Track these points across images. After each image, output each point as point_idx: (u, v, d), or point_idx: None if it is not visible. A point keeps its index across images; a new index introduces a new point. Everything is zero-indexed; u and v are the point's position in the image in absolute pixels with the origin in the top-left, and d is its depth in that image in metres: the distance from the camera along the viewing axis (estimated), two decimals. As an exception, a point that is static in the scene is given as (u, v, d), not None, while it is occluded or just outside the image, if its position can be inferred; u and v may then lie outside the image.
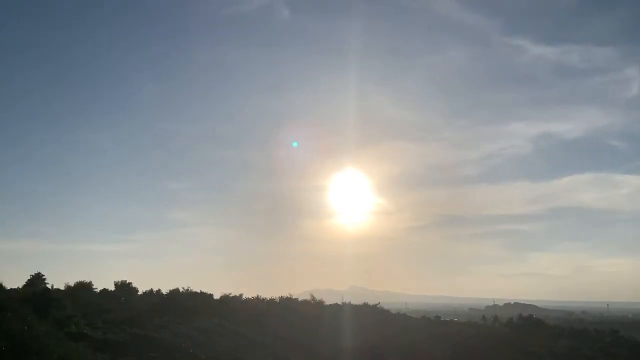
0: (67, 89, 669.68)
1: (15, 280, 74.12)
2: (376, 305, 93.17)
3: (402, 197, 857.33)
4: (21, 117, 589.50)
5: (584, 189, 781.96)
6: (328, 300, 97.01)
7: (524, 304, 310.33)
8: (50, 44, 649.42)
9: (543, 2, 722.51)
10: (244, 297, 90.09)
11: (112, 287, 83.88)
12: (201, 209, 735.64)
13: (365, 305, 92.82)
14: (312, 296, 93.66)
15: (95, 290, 79.66)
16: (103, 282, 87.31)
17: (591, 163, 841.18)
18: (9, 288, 59.76)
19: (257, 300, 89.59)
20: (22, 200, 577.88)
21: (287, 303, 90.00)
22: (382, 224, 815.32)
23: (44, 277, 71.46)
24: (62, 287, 71.96)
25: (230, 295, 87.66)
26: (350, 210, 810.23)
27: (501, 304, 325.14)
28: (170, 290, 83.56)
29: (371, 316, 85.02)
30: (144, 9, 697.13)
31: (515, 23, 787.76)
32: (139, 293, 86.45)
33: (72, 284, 75.32)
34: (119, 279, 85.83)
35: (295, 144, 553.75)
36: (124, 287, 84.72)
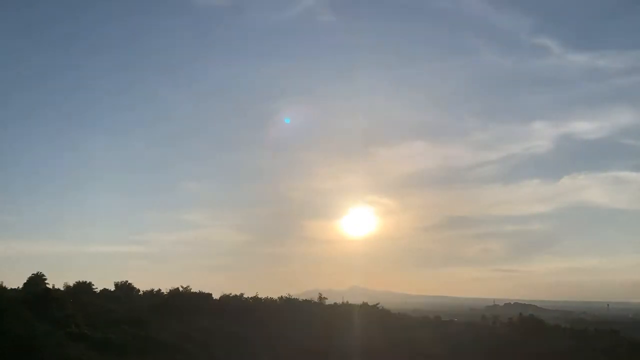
0: (75, 88, 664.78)
1: (17, 281, 74.02)
2: (377, 305, 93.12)
3: (409, 198, 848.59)
4: (30, 116, 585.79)
5: (591, 187, 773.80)
6: (329, 300, 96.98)
7: (524, 304, 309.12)
8: (68, 46, 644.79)
9: (572, 3, 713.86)
10: (244, 297, 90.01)
11: (112, 288, 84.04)
12: (207, 210, 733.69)
13: (366, 305, 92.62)
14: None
15: (96, 290, 79.68)
16: (108, 283, 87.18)
17: (606, 162, 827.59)
18: (9, 288, 59.81)
19: (258, 300, 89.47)
20: (24, 201, 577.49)
21: (288, 303, 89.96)
22: (387, 224, 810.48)
23: (44, 277, 71.30)
24: (62, 288, 72.08)
25: (230, 295, 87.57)
26: (354, 211, 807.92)
27: (501, 304, 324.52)
28: (170, 291, 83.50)
29: (372, 316, 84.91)
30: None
31: (543, 24, 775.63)
32: (139, 293, 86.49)
33: (71, 284, 75.48)
34: (123, 279, 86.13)
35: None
36: (124, 288, 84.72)
